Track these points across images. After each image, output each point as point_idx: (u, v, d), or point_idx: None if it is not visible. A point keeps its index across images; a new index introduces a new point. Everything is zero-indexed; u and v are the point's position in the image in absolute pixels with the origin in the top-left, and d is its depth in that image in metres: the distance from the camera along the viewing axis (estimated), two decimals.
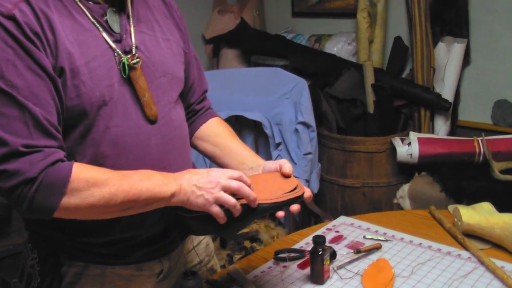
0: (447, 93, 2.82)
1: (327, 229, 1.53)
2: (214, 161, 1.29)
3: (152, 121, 1.07)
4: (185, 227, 1.11)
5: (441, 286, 1.21)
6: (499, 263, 1.28)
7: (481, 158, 2.52)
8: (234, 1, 3.99)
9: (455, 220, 1.47)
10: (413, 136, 2.64)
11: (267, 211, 1.04)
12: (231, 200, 0.99)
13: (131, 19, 1.08)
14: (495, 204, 1.51)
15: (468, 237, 1.41)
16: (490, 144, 2.51)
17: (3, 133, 0.88)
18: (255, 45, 3.43)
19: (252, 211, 1.02)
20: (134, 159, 1.04)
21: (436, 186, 2.44)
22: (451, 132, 2.94)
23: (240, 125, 2.67)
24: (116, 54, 1.02)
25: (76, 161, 0.97)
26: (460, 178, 2.44)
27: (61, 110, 0.95)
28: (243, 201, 1.01)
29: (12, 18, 0.89)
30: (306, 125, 2.48)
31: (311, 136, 2.52)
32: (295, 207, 1.04)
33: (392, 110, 2.87)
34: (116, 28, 1.04)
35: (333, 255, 1.32)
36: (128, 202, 0.96)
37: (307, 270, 1.28)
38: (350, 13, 3.31)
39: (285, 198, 1.03)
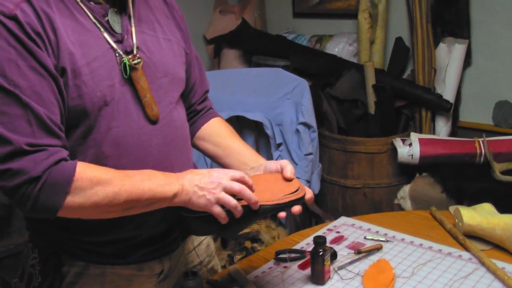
0: (448, 94, 2.82)
1: (328, 229, 1.53)
2: (216, 161, 1.29)
3: (153, 122, 1.07)
4: (187, 227, 1.11)
5: (441, 287, 1.21)
6: (500, 264, 1.28)
7: (482, 159, 2.52)
8: (235, 1, 3.99)
9: (456, 221, 1.47)
10: (414, 137, 2.63)
11: (269, 212, 1.04)
12: (232, 201, 0.99)
13: (132, 20, 1.08)
14: (496, 205, 1.51)
15: (469, 238, 1.41)
16: (491, 145, 2.51)
17: (6, 132, 0.88)
18: (256, 46, 3.43)
19: (253, 212, 1.02)
20: (135, 159, 1.04)
21: (437, 187, 2.44)
22: (452, 133, 2.94)
23: (241, 125, 2.67)
24: (117, 54, 1.02)
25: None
26: (461, 179, 2.44)
27: (64, 110, 0.96)
28: (244, 202, 1.01)
29: (14, 18, 0.89)
30: (307, 125, 2.49)
31: (312, 136, 2.52)
32: (296, 209, 1.04)
33: (393, 111, 2.87)
34: (117, 28, 1.04)
35: (334, 255, 1.32)
36: (131, 201, 0.96)
37: (308, 271, 1.28)
38: (351, 14, 3.31)
39: (286, 200, 1.03)
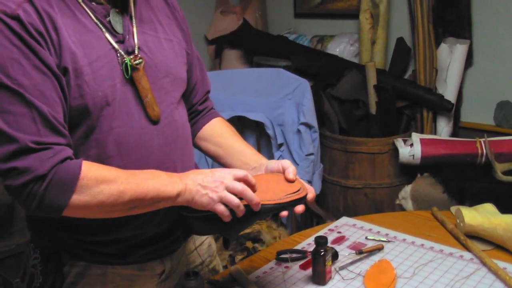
0: (450, 94, 2.82)
1: (329, 230, 1.53)
2: (217, 161, 1.29)
3: (154, 122, 1.07)
4: (189, 227, 1.11)
5: (443, 287, 1.21)
6: (501, 264, 1.28)
7: (483, 159, 2.52)
8: (237, 1, 3.99)
9: (458, 221, 1.47)
10: (416, 137, 2.63)
11: (270, 212, 1.04)
12: (234, 200, 0.99)
13: (133, 20, 1.08)
14: (497, 205, 1.51)
15: (470, 238, 1.41)
16: (492, 145, 2.50)
17: (11, 130, 0.88)
18: (257, 46, 3.43)
19: (255, 211, 1.02)
20: (136, 159, 1.04)
21: (438, 187, 2.43)
22: (454, 133, 2.94)
23: (242, 125, 2.67)
24: (118, 54, 1.03)
25: None
26: (463, 179, 2.44)
27: (66, 109, 0.96)
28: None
29: (16, 18, 0.90)
30: (308, 126, 2.48)
31: (313, 137, 2.52)
32: (300, 208, 1.04)
33: (395, 111, 2.87)
34: (119, 28, 1.04)
35: (335, 256, 1.32)
36: (135, 200, 0.96)
37: (309, 271, 1.28)
38: (352, 14, 3.31)
39: (288, 199, 1.03)
